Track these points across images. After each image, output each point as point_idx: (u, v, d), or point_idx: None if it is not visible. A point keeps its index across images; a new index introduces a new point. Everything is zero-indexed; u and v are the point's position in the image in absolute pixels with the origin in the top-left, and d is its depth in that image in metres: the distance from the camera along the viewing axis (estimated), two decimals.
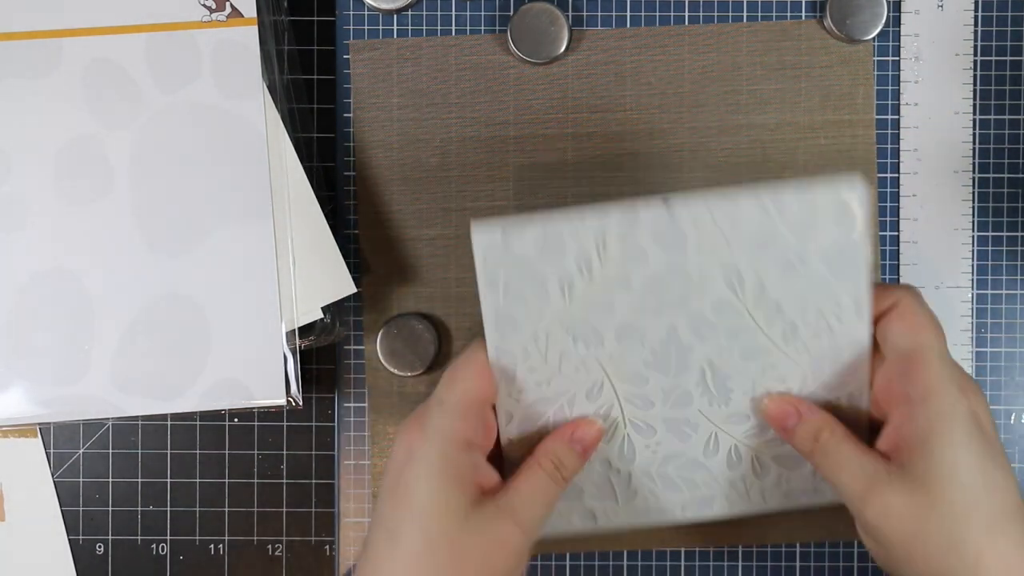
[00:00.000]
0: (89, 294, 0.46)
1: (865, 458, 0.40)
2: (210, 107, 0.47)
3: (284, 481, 0.52)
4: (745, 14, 0.52)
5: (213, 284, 0.47)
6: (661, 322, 0.42)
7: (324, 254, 0.47)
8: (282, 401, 0.47)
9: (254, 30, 0.47)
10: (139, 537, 0.52)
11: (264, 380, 0.47)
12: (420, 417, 0.41)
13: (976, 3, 0.52)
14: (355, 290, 0.48)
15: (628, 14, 0.52)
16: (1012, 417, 0.52)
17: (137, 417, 0.50)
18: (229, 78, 0.47)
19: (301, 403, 0.47)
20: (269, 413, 0.52)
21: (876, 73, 0.52)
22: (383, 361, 0.51)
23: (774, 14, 0.52)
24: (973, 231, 0.52)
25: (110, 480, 0.52)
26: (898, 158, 0.52)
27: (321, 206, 0.48)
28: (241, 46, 0.47)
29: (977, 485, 0.38)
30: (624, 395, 0.44)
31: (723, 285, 0.41)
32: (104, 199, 0.47)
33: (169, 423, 0.52)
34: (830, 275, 0.41)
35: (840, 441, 0.41)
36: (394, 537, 0.39)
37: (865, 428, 0.43)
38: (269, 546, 0.52)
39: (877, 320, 0.42)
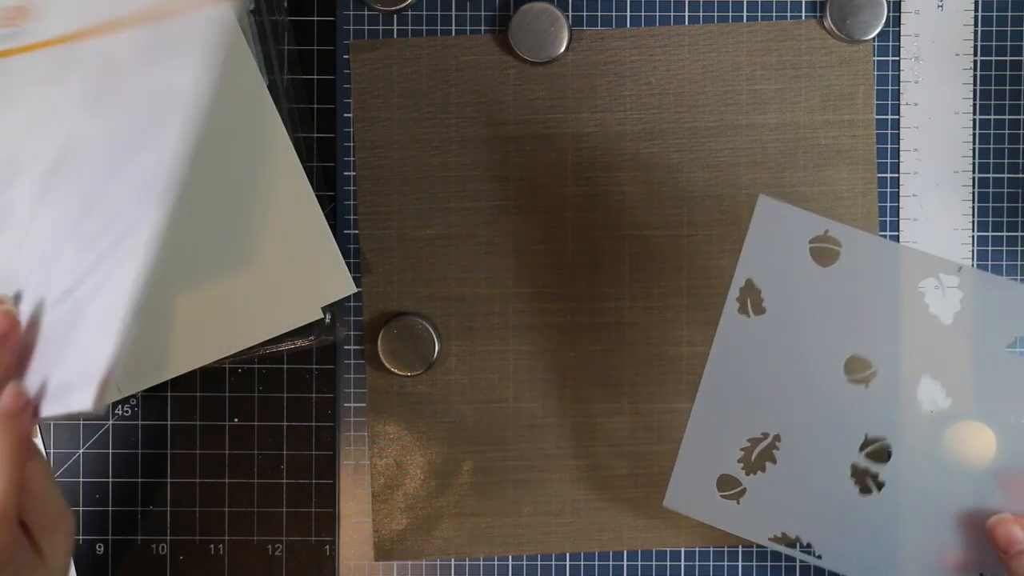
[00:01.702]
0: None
1: None
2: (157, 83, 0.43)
3: (284, 481, 0.52)
4: (745, 14, 0.52)
5: None
6: None
7: (324, 254, 0.47)
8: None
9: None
10: (139, 537, 0.52)
11: None
12: None
13: (976, 3, 0.52)
14: (355, 290, 0.48)
15: (628, 14, 0.52)
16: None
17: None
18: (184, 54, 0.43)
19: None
20: (269, 411, 0.52)
21: (876, 73, 0.52)
22: (383, 361, 0.51)
23: (774, 14, 0.52)
24: (973, 231, 0.52)
25: (110, 480, 0.52)
26: (898, 158, 0.52)
27: (321, 206, 0.48)
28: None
29: None
30: None
31: None
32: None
33: (169, 423, 0.52)
34: None
35: None
36: None
37: None
38: (269, 546, 0.52)
39: None
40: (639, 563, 0.52)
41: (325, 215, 0.48)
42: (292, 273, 0.47)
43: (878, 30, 0.51)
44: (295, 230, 0.47)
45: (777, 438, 0.44)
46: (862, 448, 0.44)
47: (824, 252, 0.41)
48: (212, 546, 0.52)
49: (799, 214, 0.41)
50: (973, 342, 0.42)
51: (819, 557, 0.46)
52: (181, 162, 0.43)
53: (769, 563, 0.52)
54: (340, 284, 0.48)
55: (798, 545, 0.46)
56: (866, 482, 0.44)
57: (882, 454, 0.44)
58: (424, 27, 0.52)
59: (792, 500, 0.45)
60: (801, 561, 0.47)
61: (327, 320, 0.48)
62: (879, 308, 0.42)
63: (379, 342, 0.51)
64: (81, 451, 0.52)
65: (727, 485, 0.45)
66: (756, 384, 0.44)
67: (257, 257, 0.47)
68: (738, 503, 0.45)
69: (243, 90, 0.47)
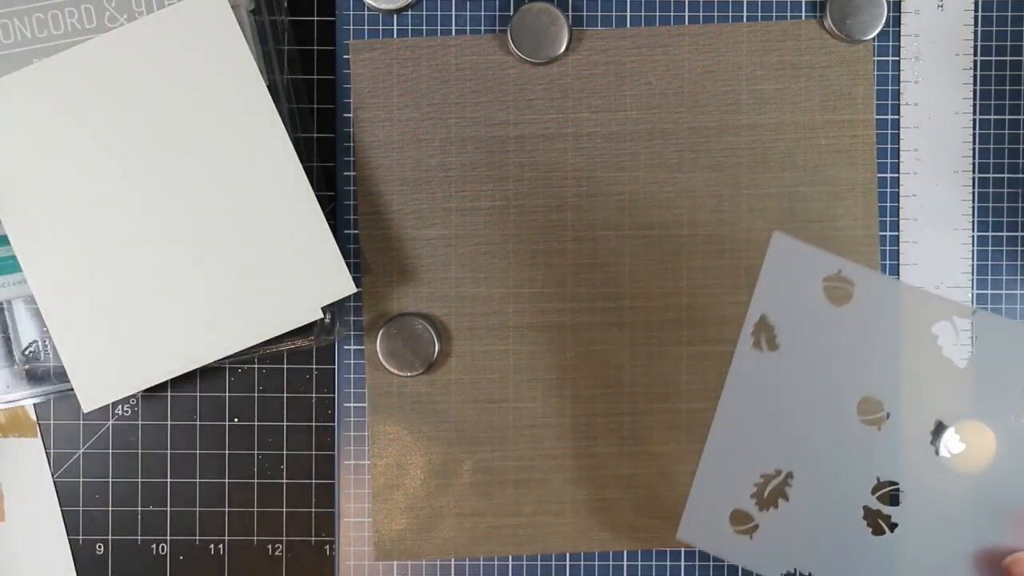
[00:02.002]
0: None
1: None
2: None
3: (284, 481, 0.52)
4: (745, 14, 0.52)
5: None
6: None
7: (324, 254, 0.47)
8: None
9: None
10: (139, 537, 0.52)
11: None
12: None
13: (976, 3, 0.52)
14: (355, 290, 0.48)
15: (628, 14, 0.52)
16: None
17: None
18: None
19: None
20: (269, 411, 0.52)
21: (876, 73, 0.52)
22: (383, 361, 0.51)
23: (774, 14, 0.52)
24: (973, 231, 0.52)
25: (110, 480, 0.52)
26: (898, 158, 0.52)
27: (321, 206, 0.48)
28: None
29: None
30: None
31: None
32: None
33: (169, 423, 0.52)
34: None
35: None
36: None
37: None
38: (269, 546, 0.52)
39: None
40: (639, 563, 0.52)
41: (325, 215, 0.48)
42: (292, 273, 0.47)
43: (878, 30, 0.51)
44: (295, 230, 0.47)
45: (790, 475, 0.44)
46: (874, 491, 0.43)
47: (837, 292, 0.41)
48: (212, 546, 0.52)
49: (812, 252, 0.42)
50: (987, 388, 0.42)
51: None
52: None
53: None
54: (340, 284, 0.48)
55: None
56: (878, 524, 0.44)
57: (893, 499, 0.44)
58: (424, 27, 0.52)
59: (805, 538, 0.45)
60: None
61: (327, 320, 0.48)
62: (892, 350, 0.42)
63: (379, 342, 0.51)
64: (81, 451, 0.52)
65: (740, 520, 0.45)
66: (770, 420, 0.43)
67: (257, 257, 0.47)
68: (751, 538, 0.45)
69: (243, 90, 0.47)
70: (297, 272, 0.47)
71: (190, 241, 0.47)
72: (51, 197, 0.47)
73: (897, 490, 0.43)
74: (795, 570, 0.45)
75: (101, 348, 0.47)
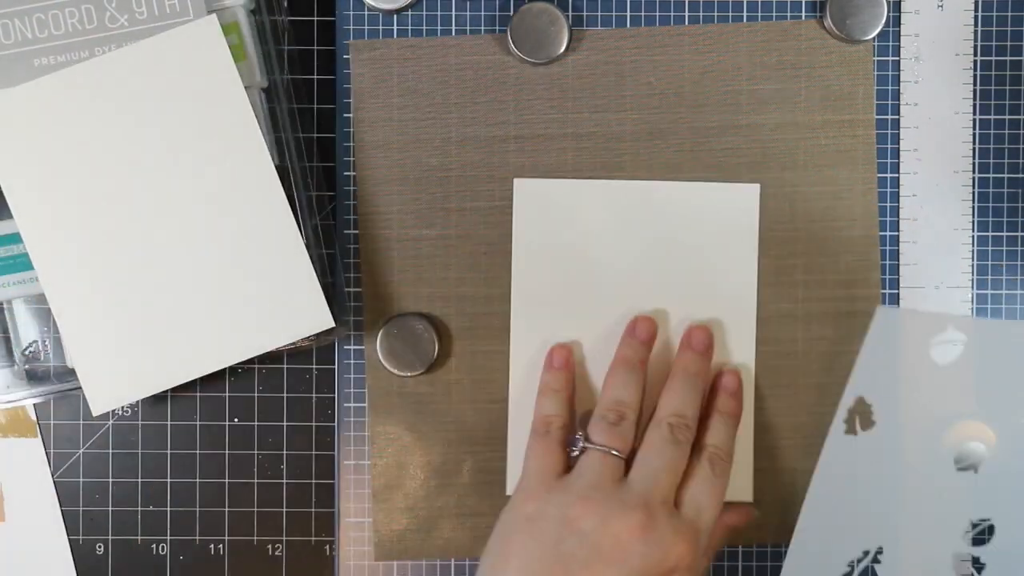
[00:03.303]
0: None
1: None
2: None
3: (284, 481, 0.52)
4: (745, 14, 0.52)
5: None
6: None
7: (302, 286, 0.47)
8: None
9: None
10: (139, 537, 0.52)
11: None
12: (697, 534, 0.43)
13: (976, 3, 0.52)
14: (332, 324, 0.47)
15: (628, 14, 0.52)
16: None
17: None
18: None
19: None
20: (269, 411, 0.52)
21: (876, 73, 0.52)
22: (383, 361, 0.51)
23: (774, 14, 0.52)
24: (973, 231, 0.52)
25: (110, 480, 0.52)
26: (898, 158, 0.52)
27: (321, 206, 0.48)
28: None
29: None
30: None
31: None
32: None
33: (169, 423, 0.52)
34: None
35: None
36: None
37: None
38: (269, 546, 0.52)
39: None
40: None
41: (325, 215, 0.48)
42: (274, 301, 0.47)
43: (878, 30, 0.51)
44: (277, 260, 0.47)
45: (879, 551, 0.42)
46: (966, 533, 0.42)
47: (946, 349, 0.40)
48: (212, 546, 0.52)
49: (918, 316, 0.40)
50: None
51: None
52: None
53: (769, 563, 0.52)
54: (317, 317, 0.47)
55: None
56: (966, 568, 0.42)
57: (985, 536, 0.42)
58: (424, 27, 0.52)
59: None
60: None
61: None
62: (1001, 389, 0.41)
63: (379, 342, 0.51)
64: (81, 451, 0.52)
65: None
66: (860, 501, 0.41)
67: (243, 282, 0.47)
68: None
69: (232, 120, 0.46)
70: (279, 300, 0.47)
71: (186, 257, 0.47)
72: (62, 205, 0.47)
73: (990, 527, 0.42)
74: None
75: (111, 353, 0.47)
